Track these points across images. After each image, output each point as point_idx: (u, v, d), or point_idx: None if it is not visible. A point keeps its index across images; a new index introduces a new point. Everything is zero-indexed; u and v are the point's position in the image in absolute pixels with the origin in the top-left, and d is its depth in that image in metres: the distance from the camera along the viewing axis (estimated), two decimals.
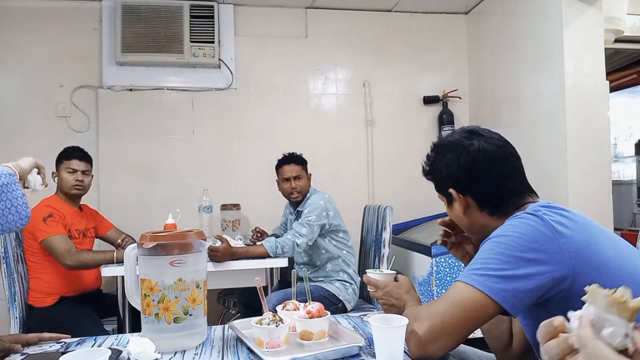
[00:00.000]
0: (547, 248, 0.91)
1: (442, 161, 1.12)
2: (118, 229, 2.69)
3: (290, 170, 2.54)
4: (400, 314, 1.03)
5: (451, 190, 1.11)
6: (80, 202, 2.53)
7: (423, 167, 1.20)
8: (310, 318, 1.14)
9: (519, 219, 0.97)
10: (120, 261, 2.23)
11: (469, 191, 1.10)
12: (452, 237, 1.26)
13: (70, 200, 2.42)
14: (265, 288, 2.32)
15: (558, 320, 0.56)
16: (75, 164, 2.41)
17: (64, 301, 2.26)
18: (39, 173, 1.28)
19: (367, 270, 1.21)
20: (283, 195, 2.63)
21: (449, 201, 1.14)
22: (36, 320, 2.18)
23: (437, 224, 1.29)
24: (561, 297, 0.92)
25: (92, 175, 2.51)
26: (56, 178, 2.40)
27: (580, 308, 0.55)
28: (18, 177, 1.16)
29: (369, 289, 1.19)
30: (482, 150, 1.08)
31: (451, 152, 1.11)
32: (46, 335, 1.25)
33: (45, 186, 1.30)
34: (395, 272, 1.18)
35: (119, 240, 2.54)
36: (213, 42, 3.32)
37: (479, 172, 1.08)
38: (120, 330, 2.24)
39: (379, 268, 1.18)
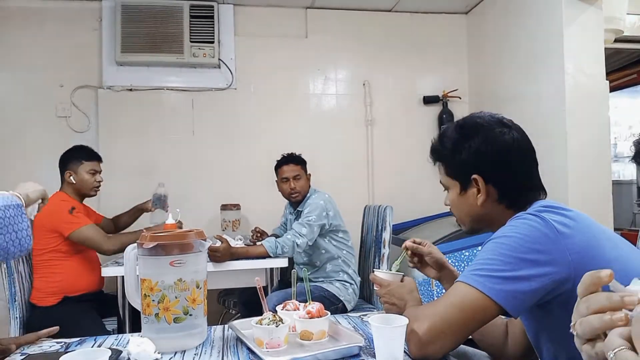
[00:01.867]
0: (548, 249, 0.91)
1: (472, 144, 1.05)
2: (107, 218, 2.74)
3: (290, 170, 2.54)
4: (401, 314, 1.02)
5: (476, 177, 1.05)
6: None
7: (436, 146, 1.12)
8: (310, 318, 1.14)
9: (521, 219, 0.96)
10: None
11: (494, 181, 1.05)
12: (415, 259, 1.27)
13: (78, 198, 2.44)
14: (265, 288, 2.32)
15: (606, 272, 0.47)
16: (96, 165, 2.46)
17: (66, 301, 2.26)
18: (42, 201, 1.25)
19: (374, 270, 1.21)
20: (282, 195, 2.63)
21: (464, 187, 1.09)
22: (38, 319, 2.18)
23: (404, 247, 1.29)
24: (563, 299, 0.92)
25: None
26: (72, 177, 2.38)
27: None
28: (24, 207, 1.14)
29: (374, 287, 1.18)
30: (515, 140, 1.05)
31: (483, 137, 1.05)
32: (44, 331, 1.25)
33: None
34: (402, 274, 1.17)
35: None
36: (213, 42, 3.32)
37: (510, 164, 1.04)
38: (120, 330, 2.24)
39: (390, 269, 1.18)
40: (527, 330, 1.09)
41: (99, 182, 2.47)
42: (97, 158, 2.48)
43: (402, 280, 1.15)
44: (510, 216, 1.01)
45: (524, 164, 1.06)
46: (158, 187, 2.77)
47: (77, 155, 2.42)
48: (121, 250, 2.24)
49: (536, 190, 1.07)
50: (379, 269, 1.19)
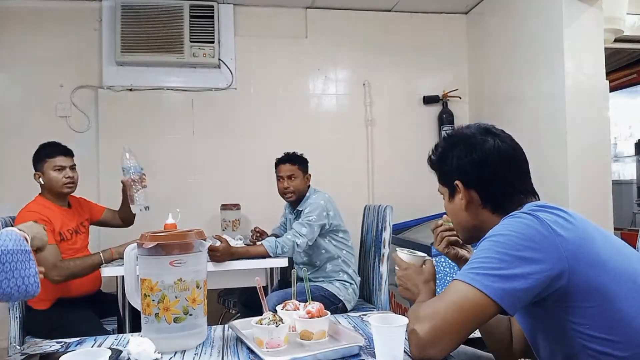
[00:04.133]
0: (543, 247, 0.92)
1: (454, 153, 1.12)
2: (110, 209, 2.64)
3: (285, 169, 2.53)
4: (413, 300, 1.06)
5: (457, 182, 1.11)
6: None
7: (430, 156, 1.20)
8: (310, 318, 1.15)
9: (515, 218, 0.97)
10: (108, 261, 2.22)
11: (474, 186, 1.09)
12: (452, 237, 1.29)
13: (58, 200, 2.31)
14: (265, 288, 2.32)
15: None
16: (62, 160, 2.28)
17: (63, 303, 2.21)
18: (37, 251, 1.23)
19: (397, 249, 1.22)
20: (279, 193, 2.62)
21: (451, 194, 1.14)
22: (35, 321, 2.17)
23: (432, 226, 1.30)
24: (558, 295, 0.92)
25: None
26: (41, 179, 2.26)
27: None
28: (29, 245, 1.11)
29: (395, 268, 1.20)
30: (495, 148, 1.08)
31: (464, 145, 1.11)
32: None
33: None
34: (425, 256, 1.18)
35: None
36: (213, 42, 3.32)
37: (488, 170, 1.08)
38: (120, 330, 2.24)
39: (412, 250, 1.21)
40: (524, 329, 1.10)
41: (70, 177, 2.27)
42: (62, 152, 2.28)
43: (423, 265, 1.16)
44: (498, 221, 1.02)
45: (505, 170, 1.08)
46: (124, 153, 2.42)
47: (41, 154, 2.26)
48: (68, 279, 2.12)
49: (524, 194, 1.08)
50: (405, 249, 1.22)
